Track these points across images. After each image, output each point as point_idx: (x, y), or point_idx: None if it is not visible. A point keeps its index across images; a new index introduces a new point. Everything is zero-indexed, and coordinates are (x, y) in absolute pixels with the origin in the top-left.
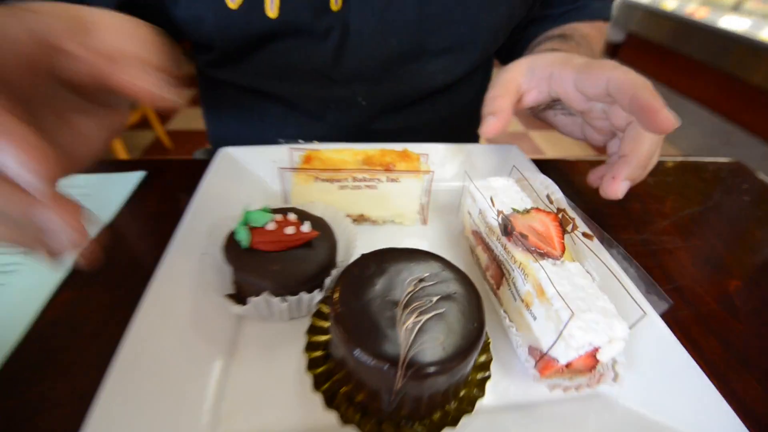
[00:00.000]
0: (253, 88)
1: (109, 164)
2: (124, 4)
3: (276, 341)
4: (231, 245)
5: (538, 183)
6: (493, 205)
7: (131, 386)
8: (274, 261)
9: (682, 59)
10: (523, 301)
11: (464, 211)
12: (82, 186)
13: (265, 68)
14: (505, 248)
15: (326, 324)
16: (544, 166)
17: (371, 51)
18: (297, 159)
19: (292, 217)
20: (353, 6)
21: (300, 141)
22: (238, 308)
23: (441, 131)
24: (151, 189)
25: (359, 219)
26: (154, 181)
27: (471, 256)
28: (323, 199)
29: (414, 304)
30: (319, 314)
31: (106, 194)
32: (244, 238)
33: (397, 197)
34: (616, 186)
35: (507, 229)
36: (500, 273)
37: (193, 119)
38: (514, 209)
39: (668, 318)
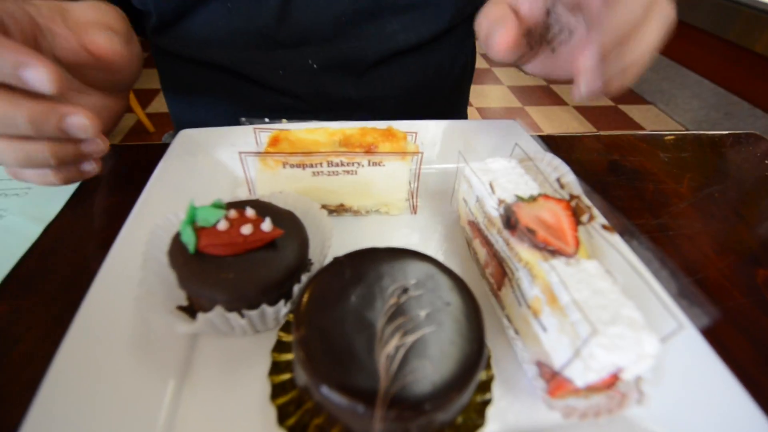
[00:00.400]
0: (199, 58)
1: None
2: None
3: (236, 361)
4: (176, 249)
5: (544, 164)
6: (493, 191)
7: (58, 421)
8: (227, 268)
9: (684, 28)
10: (530, 307)
11: (459, 198)
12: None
13: (205, 33)
14: (507, 244)
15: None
16: (546, 143)
17: (320, 8)
18: (264, 141)
19: (250, 212)
20: None
21: (266, 120)
22: (185, 326)
23: (417, 100)
24: (97, 181)
25: (339, 209)
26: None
27: (468, 251)
28: (294, 188)
29: (398, 322)
30: (287, 327)
31: (48, 189)
32: (189, 240)
33: (382, 183)
34: (582, 57)
35: (510, 222)
36: (502, 272)
37: None
38: (518, 196)
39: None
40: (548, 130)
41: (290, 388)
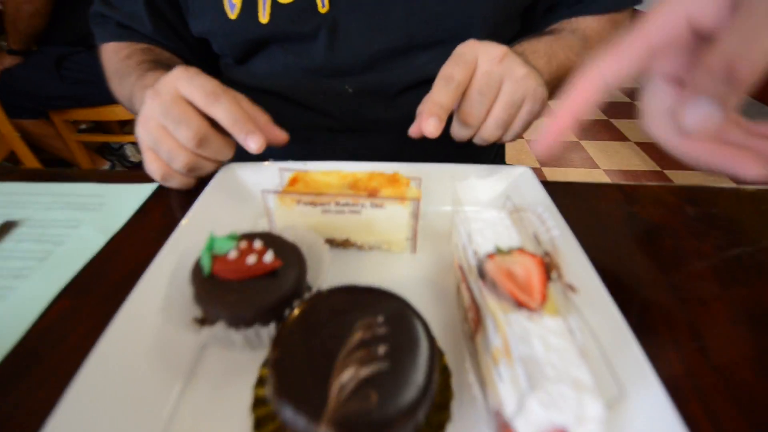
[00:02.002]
0: (259, 87)
1: (127, 173)
2: (158, 27)
3: (233, 372)
4: (197, 270)
5: (532, 215)
6: (470, 241)
7: (86, 404)
8: (232, 290)
9: None
10: (492, 355)
11: (453, 241)
12: (99, 195)
13: (266, 68)
14: (481, 292)
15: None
16: (564, 190)
17: (359, 48)
18: (285, 180)
19: (257, 244)
20: (342, 6)
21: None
22: (196, 332)
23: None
24: (158, 202)
25: (345, 244)
26: (164, 193)
27: (455, 289)
28: (306, 223)
29: (357, 354)
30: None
31: (118, 204)
32: (206, 265)
33: (383, 223)
34: (422, 122)
35: (481, 271)
36: (478, 318)
37: None
38: (497, 248)
39: (685, 384)
40: (606, 166)
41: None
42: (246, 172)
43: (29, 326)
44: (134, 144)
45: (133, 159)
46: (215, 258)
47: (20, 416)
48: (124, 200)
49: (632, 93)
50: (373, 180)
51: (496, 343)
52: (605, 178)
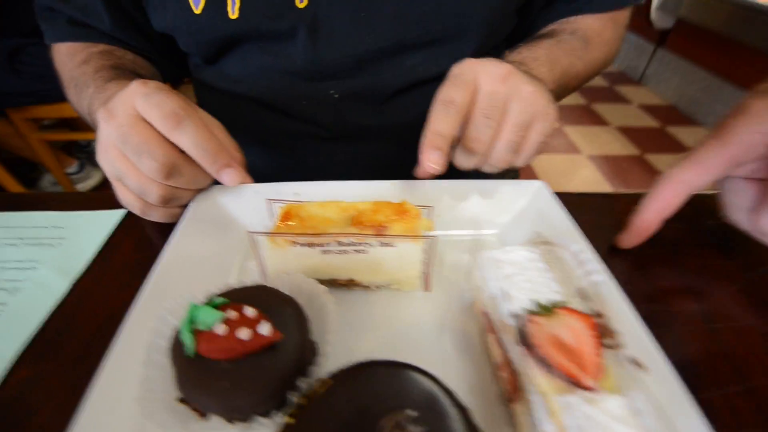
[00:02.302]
0: (233, 91)
1: (90, 197)
2: (118, 22)
3: None
4: (177, 347)
5: (569, 256)
6: (510, 299)
7: None
8: (222, 375)
9: (739, 48)
10: None
11: (474, 282)
12: (58, 225)
13: (239, 69)
14: (523, 361)
15: None
16: (578, 204)
17: (344, 49)
18: (276, 211)
19: (249, 312)
20: (322, 1)
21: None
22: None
23: None
24: (127, 233)
25: (349, 284)
26: (132, 221)
27: (478, 336)
28: (303, 264)
29: None
30: None
31: (80, 236)
32: (188, 343)
33: (393, 262)
34: (423, 157)
35: (525, 339)
36: (516, 385)
37: None
38: (539, 305)
39: None
40: (588, 151)
41: None
42: (226, 197)
43: None
44: None
45: None
46: (199, 334)
47: None
48: (88, 232)
49: (611, 78)
50: (379, 212)
51: (550, 429)
52: (589, 164)
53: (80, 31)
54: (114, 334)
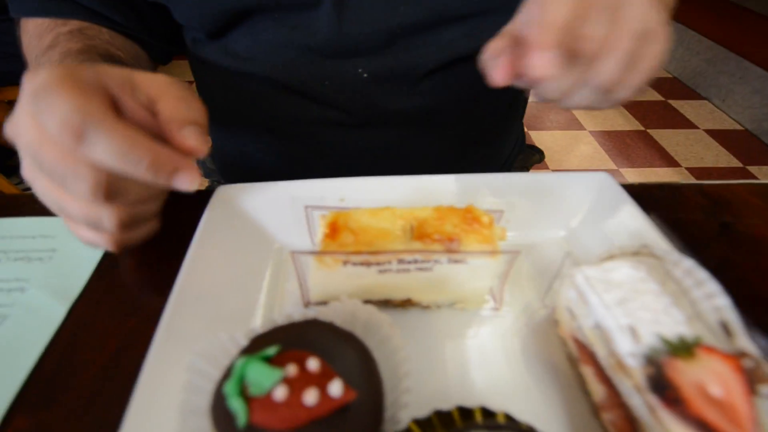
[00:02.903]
0: (242, 70)
1: None
2: None
3: None
4: (221, 413)
5: (682, 274)
6: (636, 339)
7: None
8: None
9: (746, 15)
10: None
11: (561, 304)
12: (48, 234)
13: (250, 46)
14: (652, 412)
15: None
16: (639, 197)
17: (375, 21)
18: (317, 220)
19: (312, 365)
20: None
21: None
22: None
23: (474, 112)
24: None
25: (404, 304)
26: None
27: (566, 364)
28: (353, 285)
29: None
30: None
31: (74, 247)
32: (239, 410)
33: (462, 280)
34: (533, 58)
35: (665, 393)
36: (631, 428)
37: None
38: (663, 339)
39: None
40: (590, 127)
41: None
42: (246, 199)
43: None
44: None
45: None
46: (253, 400)
47: None
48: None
49: None
50: (445, 221)
51: None
52: (591, 140)
53: (51, 4)
54: (125, 372)
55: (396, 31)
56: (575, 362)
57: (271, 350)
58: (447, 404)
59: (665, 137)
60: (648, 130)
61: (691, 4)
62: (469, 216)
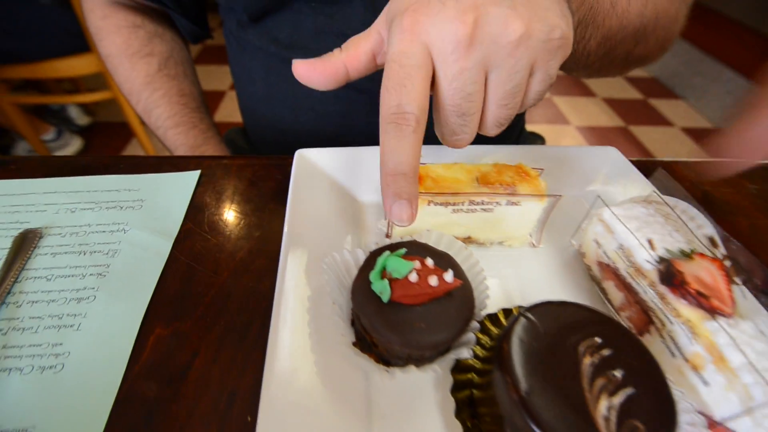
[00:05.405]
0: (281, 55)
1: (152, 159)
2: None
3: (415, 398)
4: (364, 296)
5: (679, 211)
6: (653, 248)
7: None
8: (418, 317)
9: (721, 21)
10: (688, 361)
11: (588, 238)
12: (131, 188)
13: (289, 31)
14: (662, 298)
15: (464, 377)
16: (641, 170)
17: None
18: None
19: (430, 262)
20: None
21: None
22: (383, 374)
23: None
24: (211, 193)
25: (465, 241)
26: (211, 184)
27: (591, 286)
28: (431, 223)
29: (600, 381)
30: (456, 368)
31: (160, 199)
32: (384, 291)
33: (512, 220)
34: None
35: (673, 280)
36: (646, 319)
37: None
38: (669, 251)
39: None
40: (576, 122)
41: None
42: (323, 157)
43: (126, 364)
44: (79, 105)
45: (79, 122)
46: (394, 281)
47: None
48: (167, 194)
49: None
50: (503, 174)
51: (695, 349)
52: (576, 134)
53: None
54: (242, 292)
55: None
56: (598, 281)
57: (401, 251)
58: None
59: (644, 134)
60: (629, 127)
61: None
62: (520, 170)
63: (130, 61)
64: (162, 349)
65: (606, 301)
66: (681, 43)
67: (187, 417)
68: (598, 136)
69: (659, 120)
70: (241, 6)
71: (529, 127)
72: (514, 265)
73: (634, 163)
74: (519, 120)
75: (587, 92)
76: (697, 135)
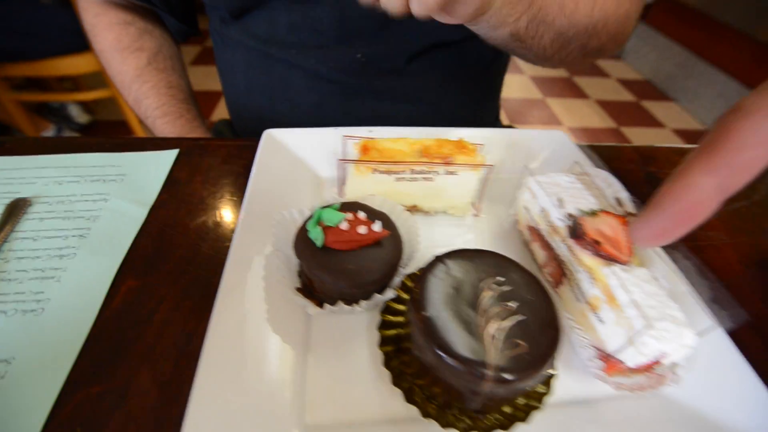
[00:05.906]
0: (261, 50)
1: (136, 140)
2: None
3: (347, 335)
4: (303, 243)
5: (600, 181)
6: (562, 206)
7: (219, 381)
8: (347, 260)
9: (715, 25)
10: (588, 303)
11: (520, 205)
12: (113, 165)
13: (267, 28)
14: (570, 250)
15: (394, 319)
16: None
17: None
18: (351, 148)
19: (362, 215)
20: None
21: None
22: (315, 309)
23: (456, 87)
24: (187, 169)
25: (411, 210)
26: (186, 162)
27: (523, 249)
28: (378, 191)
29: (494, 309)
30: (387, 310)
31: (140, 174)
32: (318, 237)
33: (453, 189)
34: None
35: (577, 233)
36: (560, 272)
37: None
38: (580, 210)
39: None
40: (569, 123)
41: (393, 356)
42: (288, 138)
43: (98, 310)
44: (79, 103)
45: (79, 120)
46: (327, 229)
47: (135, 395)
48: (147, 169)
49: None
50: (444, 147)
51: (594, 292)
52: (570, 136)
53: None
54: (207, 254)
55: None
56: (528, 243)
57: (336, 205)
58: None
59: (635, 135)
60: (620, 128)
61: (664, 13)
62: (460, 144)
63: (122, 55)
64: (131, 298)
65: (533, 261)
66: (673, 46)
67: (149, 352)
68: (590, 136)
69: (651, 122)
70: (223, 4)
71: (522, 128)
72: (457, 233)
73: (585, 147)
74: (493, 109)
75: (580, 94)
76: (689, 136)
